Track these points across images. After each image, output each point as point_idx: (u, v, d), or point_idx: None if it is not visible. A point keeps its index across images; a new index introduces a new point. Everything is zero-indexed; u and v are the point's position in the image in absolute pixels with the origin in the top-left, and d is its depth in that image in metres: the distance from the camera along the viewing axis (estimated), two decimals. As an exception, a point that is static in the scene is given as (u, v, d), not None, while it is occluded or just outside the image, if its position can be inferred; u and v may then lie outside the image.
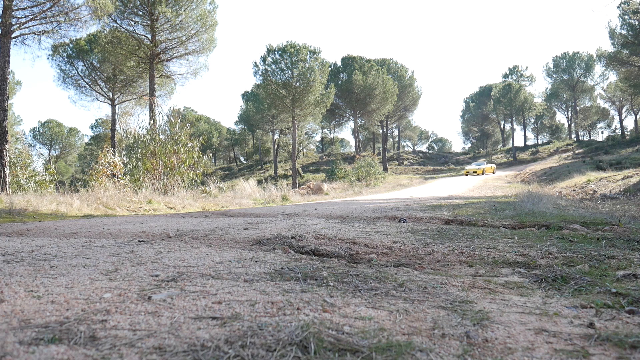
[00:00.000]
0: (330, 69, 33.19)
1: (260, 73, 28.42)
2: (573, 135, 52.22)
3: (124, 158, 12.75)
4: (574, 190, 14.17)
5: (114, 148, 15.80)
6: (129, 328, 1.05)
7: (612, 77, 42.59)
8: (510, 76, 54.93)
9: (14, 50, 21.65)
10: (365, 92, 35.49)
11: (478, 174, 29.86)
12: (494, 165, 32.98)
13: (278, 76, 28.16)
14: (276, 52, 28.07)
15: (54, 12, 12.69)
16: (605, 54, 31.33)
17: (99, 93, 27.37)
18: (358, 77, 35.22)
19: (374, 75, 35.46)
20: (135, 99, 26.75)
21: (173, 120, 13.18)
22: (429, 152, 66.84)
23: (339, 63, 38.26)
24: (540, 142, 58.50)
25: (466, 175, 30.70)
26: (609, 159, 26.14)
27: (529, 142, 57.78)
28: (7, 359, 0.85)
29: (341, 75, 37.39)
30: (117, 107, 27.43)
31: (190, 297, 1.35)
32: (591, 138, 54.75)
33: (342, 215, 4.84)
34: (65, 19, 12.78)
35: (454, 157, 53.92)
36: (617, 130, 51.54)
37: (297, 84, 27.79)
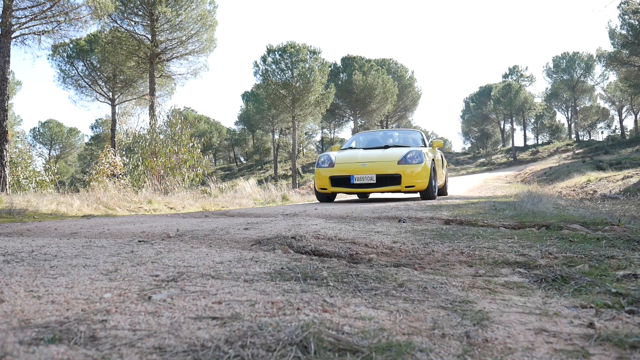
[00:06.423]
0: (330, 69, 33.20)
1: (260, 73, 28.45)
2: (573, 135, 52.25)
3: (124, 158, 12.77)
4: (574, 190, 14.16)
5: (114, 148, 15.82)
6: (129, 328, 1.05)
7: (612, 77, 42.65)
8: (510, 76, 54.96)
9: (14, 50, 21.63)
10: (365, 92, 35.50)
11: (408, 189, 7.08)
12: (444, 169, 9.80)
13: (278, 76, 28.17)
14: (276, 52, 28.09)
15: (54, 12, 12.70)
16: (605, 54, 31.36)
17: (99, 93, 27.39)
18: (358, 77, 35.23)
19: (374, 75, 35.48)
20: (135, 99, 26.78)
21: (174, 121, 13.20)
22: (429, 152, 66.65)
23: (339, 63, 38.29)
24: (540, 142, 58.54)
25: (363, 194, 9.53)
26: (609, 159, 26.13)
27: (529, 142, 57.83)
28: (7, 359, 0.85)
29: (341, 75, 37.41)
30: (117, 107, 27.45)
31: (190, 297, 1.34)
32: (591, 138, 54.82)
33: (342, 215, 4.84)
34: (65, 19, 12.79)
35: (454, 157, 53.89)
36: (617, 130, 51.60)
37: (297, 84, 27.80)
